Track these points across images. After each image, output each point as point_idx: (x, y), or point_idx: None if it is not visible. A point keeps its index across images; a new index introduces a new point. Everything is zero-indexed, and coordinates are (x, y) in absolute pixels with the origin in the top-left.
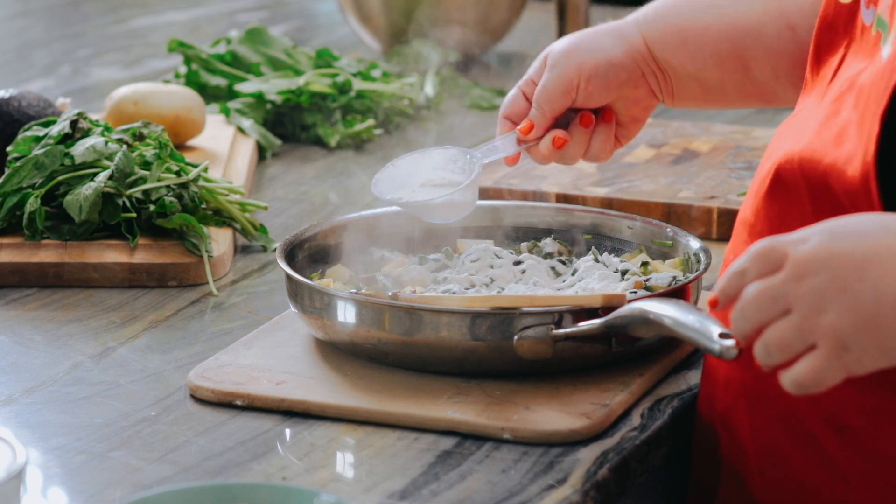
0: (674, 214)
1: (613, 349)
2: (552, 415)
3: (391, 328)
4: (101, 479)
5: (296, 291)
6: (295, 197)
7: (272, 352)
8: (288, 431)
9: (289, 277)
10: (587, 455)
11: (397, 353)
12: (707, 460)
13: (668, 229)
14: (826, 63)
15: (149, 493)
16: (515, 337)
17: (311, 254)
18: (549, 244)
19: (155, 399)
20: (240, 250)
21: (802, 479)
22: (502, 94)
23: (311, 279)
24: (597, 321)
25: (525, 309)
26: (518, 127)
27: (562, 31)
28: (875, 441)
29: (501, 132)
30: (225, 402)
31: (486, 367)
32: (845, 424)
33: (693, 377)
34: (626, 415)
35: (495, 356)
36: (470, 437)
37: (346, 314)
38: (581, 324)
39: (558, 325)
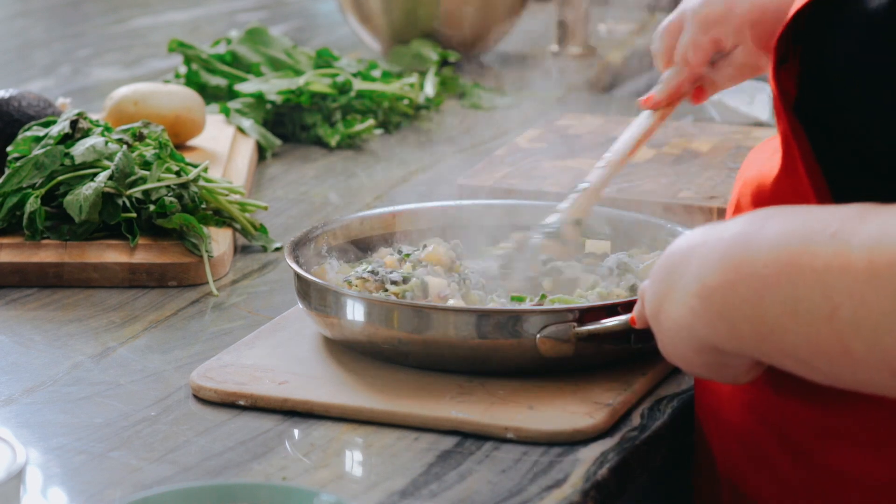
0: (674, 214)
1: (633, 345)
2: (556, 414)
3: (401, 326)
4: (101, 479)
5: (306, 291)
6: (295, 197)
7: (274, 352)
8: (288, 431)
9: (297, 276)
10: (587, 455)
11: (411, 352)
12: (698, 481)
13: (669, 225)
14: None
15: (149, 493)
16: (538, 335)
17: (322, 251)
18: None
19: (155, 399)
20: (240, 250)
21: (760, 499)
22: (502, 94)
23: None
24: (620, 318)
25: (545, 307)
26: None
27: (562, 32)
28: (823, 457)
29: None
30: (228, 403)
31: (500, 366)
32: (795, 442)
33: (693, 378)
34: (626, 415)
35: (515, 354)
36: (471, 437)
37: (356, 312)
38: (604, 321)
39: (580, 322)
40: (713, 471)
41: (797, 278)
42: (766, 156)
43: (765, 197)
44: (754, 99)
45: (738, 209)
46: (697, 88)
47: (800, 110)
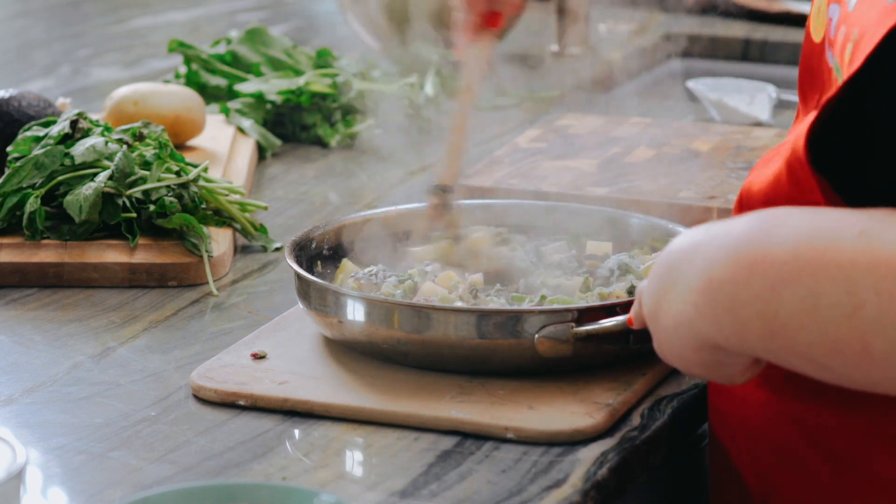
0: (674, 214)
1: (632, 346)
2: (556, 414)
3: (401, 326)
4: (101, 479)
5: (307, 291)
6: (295, 197)
7: (274, 351)
8: (288, 431)
9: (298, 276)
10: (587, 455)
11: (411, 352)
12: (717, 493)
13: (671, 226)
14: (811, 100)
15: (149, 493)
16: (536, 336)
17: (323, 251)
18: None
19: (155, 399)
20: (240, 250)
21: None
22: (502, 94)
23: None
24: (618, 318)
25: (543, 307)
26: None
27: (562, 32)
28: (866, 464)
29: None
30: (228, 403)
31: (500, 366)
32: (835, 450)
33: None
34: (626, 415)
35: (514, 354)
36: (471, 437)
37: (356, 312)
38: (602, 321)
39: (579, 322)
40: (739, 481)
41: (820, 273)
42: (771, 157)
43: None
44: (754, 99)
45: (748, 208)
46: (492, 14)
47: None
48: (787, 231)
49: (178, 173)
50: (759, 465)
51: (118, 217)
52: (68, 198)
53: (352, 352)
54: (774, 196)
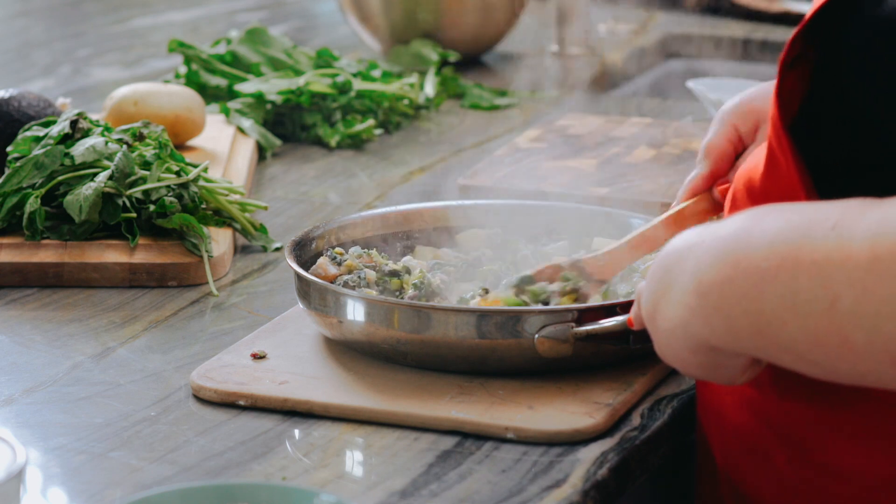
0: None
1: (632, 346)
2: (556, 414)
3: (401, 326)
4: (101, 479)
5: (307, 291)
6: (295, 197)
7: (274, 351)
8: (288, 431)
9: (298, 276)
10: (587, 455)
11: (410, 352)
12: (700, 479)
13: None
14: None
15: (149, 493)
16: (536, 336)
17: (322, 250)
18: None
19: (155, 399)
20: (240, 250)
21: (759, 497)
22: (502, 94)
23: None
24: (618, 319)
25: (543, 307)
26: (720, 188)
27: (561, 32)
28: (822, 454)
29: (700, 171)
30: (228, 403)
31: (500, 366)
32: (793, 439)
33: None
34: (626, 415)
35: (514, 354)
36: (470, 437)
37: (356, 312)
38: (602, 322)
39: (579, 322)
40: (713, 469)
41: (797, 270)
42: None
43: (755, 191)
44: None
45: (733, 202)
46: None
47: (799, 119)
48: (765, 229)
49: (178, 173)
50: (728, 454)
51: (118, 217)
52: (68, 198)
53: (352, 352)
54: (753, 184)
